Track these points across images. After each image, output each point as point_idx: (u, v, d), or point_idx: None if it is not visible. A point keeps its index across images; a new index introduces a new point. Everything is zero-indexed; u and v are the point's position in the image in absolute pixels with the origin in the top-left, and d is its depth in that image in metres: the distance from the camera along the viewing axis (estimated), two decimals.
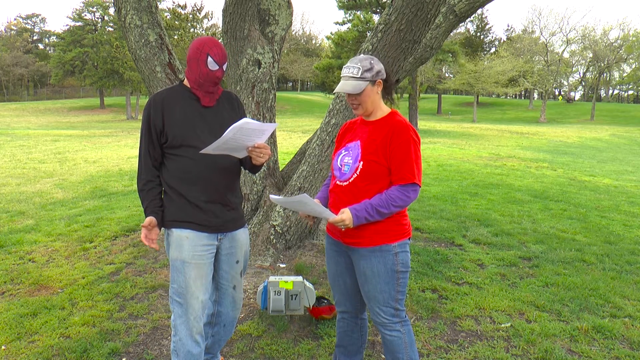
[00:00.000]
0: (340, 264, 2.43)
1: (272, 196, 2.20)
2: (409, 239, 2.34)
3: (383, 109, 2.33)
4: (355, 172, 2.23)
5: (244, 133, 2.13)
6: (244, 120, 2.09)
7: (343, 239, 2.33)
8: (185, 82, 2.39)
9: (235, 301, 2.56)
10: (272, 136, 4.97)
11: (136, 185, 2.35)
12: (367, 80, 2.23)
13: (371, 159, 2.21)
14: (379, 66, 2.27)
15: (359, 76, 2.22)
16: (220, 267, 2.47)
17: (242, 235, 2.49)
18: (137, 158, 2.37)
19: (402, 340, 2.33)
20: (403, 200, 2.17)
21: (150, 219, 2.26)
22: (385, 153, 2.20)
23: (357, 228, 2.23)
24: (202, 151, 2.15)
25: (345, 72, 2.25)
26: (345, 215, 2.13)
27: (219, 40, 2.32)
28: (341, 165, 2.32)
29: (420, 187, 2.22)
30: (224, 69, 2.31)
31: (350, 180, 2.25)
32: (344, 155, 2.34)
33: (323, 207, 2.16)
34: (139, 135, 22.76)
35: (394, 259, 2.26)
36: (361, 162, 2.23)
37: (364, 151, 2.24)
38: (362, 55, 2.31)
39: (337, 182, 2.32)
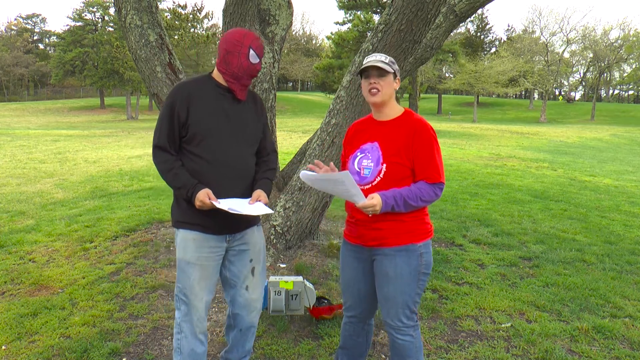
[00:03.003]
0: (358, 269, 2.37)
1: (303, 172, 2.13)
2: (431, 238, 2.32)
3: (397, 108, 2.30)
4: (379, 175, 2.19)
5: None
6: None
7: (366, 242, 2.27)
8: (215, 75, 2.32)
9: (249, 304, 2.46)
10: (273, 136, 4.97)
11: (156, 168, 2.26)
12: (393, 70, 2.24)
13: (394, 161, 2.17)
14: (397, 67, 2.30)
15: (387, 62, 2.23)
16: (231, 266, 2.42)
17: (255, 233, 2.44)
18: (152, 140, 2.27)
19: (414, 346, 2.29)
20: (431, 197, 2.15)
21: (205, 191, 2.15)
22: (409, 153, 2.17)
23: (381, 228, 2.20)
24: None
25: (372, 58, 2.24)
26: (376, 200, 2.07)
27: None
28: (360, 169, 2.25)
29: (444, 184, 2.21)
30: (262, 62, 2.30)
31: (373, 184, 2.19)
32: (361, 157, 2.27)
33: (359, 189, 2.06)
34: (139, 135, 22.76)
35: (418, 259, 2.22)
36: (384, 165, 2.18)
37: (386, 153, 2.20)
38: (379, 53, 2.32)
39: None
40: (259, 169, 2.43)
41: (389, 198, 2.10)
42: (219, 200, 2.17)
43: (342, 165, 2.44)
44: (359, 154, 2.30)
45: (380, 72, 2.22)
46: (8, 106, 50.74)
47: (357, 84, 4.19)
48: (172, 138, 2.24)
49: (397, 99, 2.42)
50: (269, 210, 2.26)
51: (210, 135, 2.23)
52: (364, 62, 2.26)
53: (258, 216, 2.47)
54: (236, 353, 2.60)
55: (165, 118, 2.23)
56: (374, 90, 2.24)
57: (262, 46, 2.26)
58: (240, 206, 2.19)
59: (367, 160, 2.24)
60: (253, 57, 2.23)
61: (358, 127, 2.41)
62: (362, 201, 2.08)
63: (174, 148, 2.26)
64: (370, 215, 2.17)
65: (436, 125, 33.35)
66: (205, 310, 2.36)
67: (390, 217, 2.18)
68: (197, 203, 2.16)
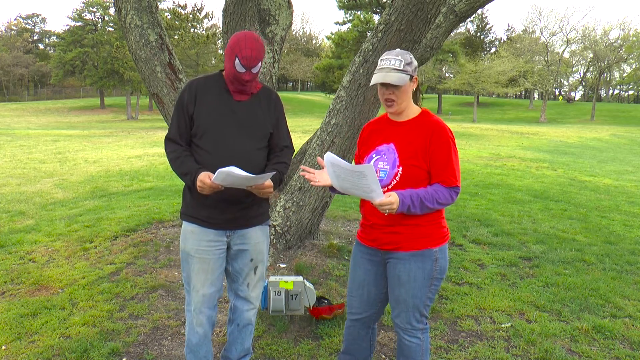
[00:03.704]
0: (370, 272, 2.33)
1: (328, 153, 2.05)
2: (447, 242, 2.28)
3: (413, 109, 2.23)
4: (395, 178, 2.13)
5: (237, 179, 2.10)
6: (238, 170, 2.07)
7: (380, 246, 2.24)
8: None
9: (249, 300, 2.53)
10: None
11: (167, 158, 2.34)
12: (408, 74, 2.11)
13: (411, 164, 2.12)
14: (415, 62, 2.17)
15: (401, 68, 2.10)
16: (234, 263, 2.45)
17: (258, 232, 2.44)
18: (166, 132, 2.38)
19: (420, 348, 2.28)
20: (447, 200, 2.10)
21: (206, 173, 2.16)
22: (425, 156, 2.11)
23: (398, 232, 2.16)
24: (215, 177, 2.11)
25: (384, 63, 2.12)
26: (394, 199, 2.00)
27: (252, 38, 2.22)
28: (375, 171, 2.18)
29: (460, 188, 2.16)
30: (254, 72, 2.23)
31: (389, 187, 2.14)
32: (376, 159, 2.21)
33: (379, 185, 1.97)
34: (139, 135, 22.76)
35: (433, 265, 2.18)
36: (400, 167, 2.13)
37: (402, 155, 2.14)
38: (397, 49, 2.20)
39: None
40: (269, 162, 2.42)
41: (406, 197, 2.04)
42: (218, 170, 2.10)
43: None
44: (374, 155, 2.24)
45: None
46: (8, 106, 50.73)
47: (357, 83, 4.19)
48: (182, 130, 2.32)
49: (416, 97, 2.36)
50: (269, 175, 2.20)
51: (212, 128, 2.27)
52: (379, 65, 2.15)
53: (264, 215, 2.47)
54: (235, 352, 2.61)
55: (175, 111, 2.33)
56: (389, 102, 2.17)
57: (253, 57, 2.17)
58: (241, 172, 2.14)
59: (383, 163, 2.18)
60: (238, 66, 2.19)
61: (373, 127, 2.35)
62: (380, 198, 1.99)
63: (184, 140, 2.33)
64: (386, 214, 2.11)
65: None
66: (204, 304, 2.38)
67: (407, 221, 2.14)
68: (198, 184, 2.18)
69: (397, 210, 2.02)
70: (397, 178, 2.13)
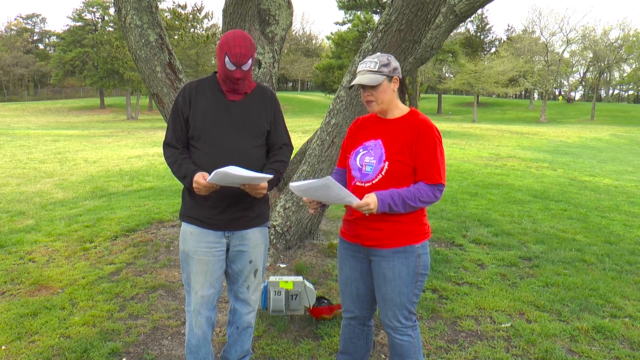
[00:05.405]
0: (356, 269, 2.36)
1: (292, 184, 2.10)
2: (429, 239, 2.31)
3: (401, 108, 2.28)
4: (380, 172, 2.18)
5: (234, 178, 2.11)
6: (239, 169, 2.08)
7: (363, 242, 2.27)
8: None
9: (249, 303, 2.52)
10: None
11: (166, 163, 2.35)
12: (384, 75, 2.18)
13: (397, 159, 2.16)
14: (396, 63, 2.23)
15: (375, 70, 2.18)
16: (233, 265, 2.45)
17: (257, 234, 2.44)
18: (164, 138, 2.40)
19: (413, 345, 2.29)
20: (430, 198, 2.13)
21: (201, 174, 2.17)
22: (411, 153, 2.16)
23: (380, 228, 2.19)
24: (211, 177, 2.11)
25: (361, 67, 2.21)
26: (371, 200, 2.06)
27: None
28: (361, 165, 2.24)
29: (445, 186, 2.19)
30: (245, 70, 2.23)
31: (374, 182, 2.18)
32: (363, 154, 2.26)
33: (347, 191, 2.05)
34: (139, 135, 22.76)
35: (416, 260, 2.21)
36: (386, 163, 2.17)
37: (389, 151, 2.18)
38: (378, 53, 2.25)
39: (358, 183, 2.25)
40: (267, 161, 2.42)
41: (386, 197, 2.09)
42: (215, 171, 2.09)
43: (344, 160, 2.43)
44: (361, 150, 2.28)
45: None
46: (8, 106, 50.75)
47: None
48: (179, 134, 2.33)
49: (404, 97, 2.40)
50: (268, 177, 2.18)
51: (208, 128, 2.27)
52: (358, 69, 2.24)
53: (263, 217, 2.46)
54: (234, 353, 2.61)
55: (171, 116, 2.35)
56: (369, 102, 2.24)
57: (242, 55, 2.18)
58: (238, 171, 2.13)
59: (370, 157, 2.23)
60: (228, 64, 2.20)
61: (362, 123, 2.40)
62: (356, 201, 2.07)
63: (181, 143, 2.34)
64: (366, 215, 2.15)
65: (436, 125, 33.29)
66: (203, 305, 2.37)
67: (389, 217, 2.17)
68: (194, 185, 2.19)
69: (378, 210, 2.08)
70: (383, 173, 2.18)
